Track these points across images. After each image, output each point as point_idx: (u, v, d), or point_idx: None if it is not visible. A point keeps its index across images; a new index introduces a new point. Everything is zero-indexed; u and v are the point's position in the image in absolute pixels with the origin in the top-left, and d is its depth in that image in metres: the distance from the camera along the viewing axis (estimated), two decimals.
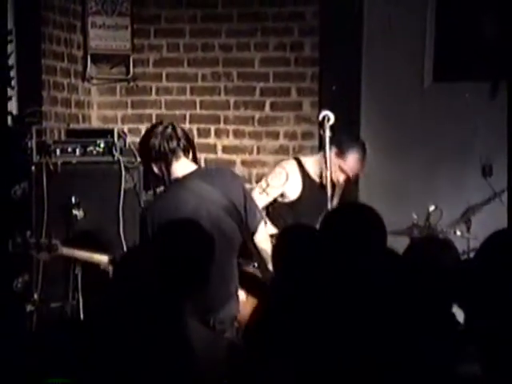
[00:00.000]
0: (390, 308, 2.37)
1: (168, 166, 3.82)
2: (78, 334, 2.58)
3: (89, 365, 2.37)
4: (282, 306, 2.02)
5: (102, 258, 4.19)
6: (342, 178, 4.84)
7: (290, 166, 4.92)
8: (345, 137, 4.91)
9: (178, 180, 3.83)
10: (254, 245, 3.98)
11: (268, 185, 4.88)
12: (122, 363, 2.32)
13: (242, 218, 3.88)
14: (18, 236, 4.28)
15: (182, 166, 3.84)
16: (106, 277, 4.08)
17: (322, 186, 4.76)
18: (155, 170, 3.86)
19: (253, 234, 3.96)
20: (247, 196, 3.98)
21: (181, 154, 3.83)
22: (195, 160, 4.21)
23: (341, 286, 2.51)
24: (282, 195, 4.89)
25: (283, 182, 4.86)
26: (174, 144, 3.81)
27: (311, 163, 4.90)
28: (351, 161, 4.79)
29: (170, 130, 3.84)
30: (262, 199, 4.78)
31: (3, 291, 4.60)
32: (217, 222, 3.76)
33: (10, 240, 4.32)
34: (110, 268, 4.10)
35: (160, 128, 3.86)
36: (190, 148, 3.88)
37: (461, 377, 2.22)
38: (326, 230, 2.98)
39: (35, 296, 4.85)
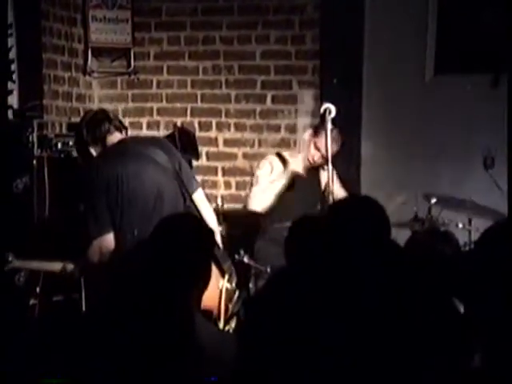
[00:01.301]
0: (392, 300, 2.37)
1: (104, 144, 3.99)
2: (80, 328, 2.58)
3: (90, 359, 2.37)
4: (297, 298, 2.02)
5: (55, 266, 4.16)
6: (316, 157, 4.98)
7: (273, 158, 5.06)
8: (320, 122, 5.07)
9: (118, 142, 4.01)
10: (195, 206, 4.09)
11: (256, 180, 5.04)
12: (124, 358, 2.32)
13: (181, 180, 4.01)
14: None
15: (116, 137, 4.03)
16: (109, 271, 4.08)
17: (310, 182, 4.94)
18: (93, 152, 4.00)
19: (192, 195, 4.08)
20: (182, 161, 4.14)
21: (114, 130, 4.03)
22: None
23: (344, 279, 2.51)
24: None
25: (269, 171, 4.99)
26: (106, 126, 4.01)
27: (294, 160, 4.99)
28: (324, 137, 4.81)
29: (100, 115, 4.06)
30: (255, 194, 4.92)
31: (5, 285, 4.60)
32: (158, 181, 3.93)
33: None
34: (68, 272, 4.08)
35: (91, 114, 4.11)
36: (122, 128, 4.10)
37: (461, 368, 2.22)
38: (330, 223, 2.98)
39: (37, 289, 4.85)
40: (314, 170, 5.10)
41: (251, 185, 5.10)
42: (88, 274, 4.09)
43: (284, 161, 5.02)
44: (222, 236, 4.41)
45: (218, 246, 4.04)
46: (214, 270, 3.99)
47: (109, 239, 3.82)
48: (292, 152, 5.22)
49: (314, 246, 3.03)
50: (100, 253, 3.83)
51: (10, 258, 4.19)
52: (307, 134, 5.08)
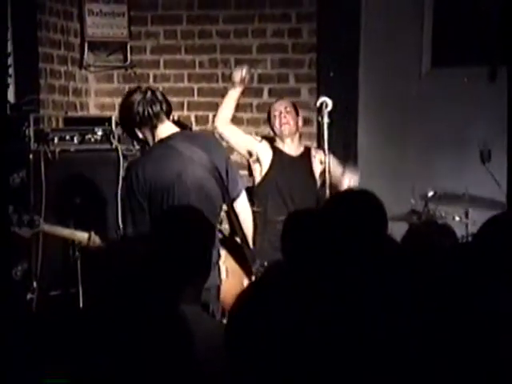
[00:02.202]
0: (390, 294, 2.37)
1: (153, 129, 3.86)
2: (77, 323, 2.58)
3: (88, 355, 2.36)
4: (292, 294, 2.02)
5: (83, 236, 4.18)
6: (280, 125, 5.06)
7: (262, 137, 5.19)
8: None
9: (162, 140, 3.87)
10: (235, 214, 4.02)
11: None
12: (121, 353, 2.32)
13: (224, 182, 3.91)
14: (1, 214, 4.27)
15: (166, 128, 3.89)
16: (106, 265, 4.09)
17: (299, 167, 4.99)
18: (140, 135, 3.89)
19: (233, 200, 3.99)
20: (229, 162, 4.02)
21: (164, 117, 3.88)
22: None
23: (342, 273, 2.51)
24: (256, 158, 5.00)
25: (259, 140, 5.08)
26: (157, 108, 3.86)
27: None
28: (274, 105, 5.12)
29: (150, 94, 3.88)
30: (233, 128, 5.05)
31: (2, 279, 4.60)
32: (201, 183, 3.84)
33: None
34: (93, 243, 4.11)
35: (139, 93, 3.89)
36: (171, 111, 3.95)
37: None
38: (327, 216, 2.98)
39: (34, 284, 4.85)
40: (307, 160, 5.08)
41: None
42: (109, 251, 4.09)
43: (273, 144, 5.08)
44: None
45: (248, 247, 4.02)
46: (238, 270, 3.99)
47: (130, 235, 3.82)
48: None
49: (309, 240, 3.03)
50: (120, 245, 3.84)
51: (38, 222, 4.18)
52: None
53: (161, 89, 6.36)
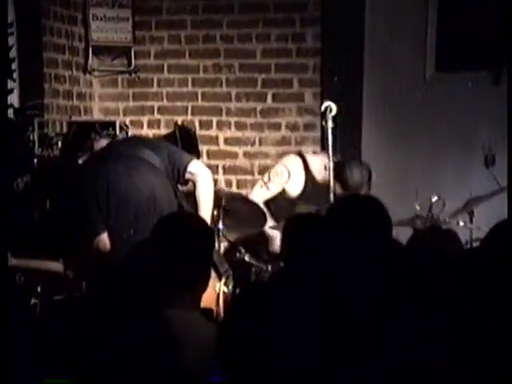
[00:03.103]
0: (392, 299, 2.36)
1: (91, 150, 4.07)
2: (81, 327, 2.58)
3: (91, 358, 2.36)
4: (294, 301, 2.01)
5: (56, 265, 4.17)
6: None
7: (293, 163, 4.98)
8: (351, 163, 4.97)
9: (101, 148, 4.07)
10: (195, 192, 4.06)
11: (269, 179, 4.96)
12: (122, 357, 2.31)
13: (169, 172, 3.99)
14: None
15: (102, 143, 4.09)
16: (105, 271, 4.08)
17: (324, 183, 4.80)
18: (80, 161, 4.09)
19: (185, 172, 4.06)
20: (170, 148, 4.14)
21: (99, 138, 4.11)
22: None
23: (344, 277, 2.50)
24: (283, 191, 4.94)
25: (285, 181, 4.94)
26: (92, 135, 4.14)
27: (315, 161, 4.94)
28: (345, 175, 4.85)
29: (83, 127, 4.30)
30: (262, 193, 4.87)
31: (6, 284, 4.60)
32: (147, 179, 3.95)
33: None
34: (69, 272, 4.10)
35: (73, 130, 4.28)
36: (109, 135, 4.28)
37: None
38: (330, 221, 2.97)
39: (38, 289, 4.84)
40: None
41: (262, 182, 4.98)
42: (82, 273, 4.10)
43: (306, 164, 4.95)
44: (223, 236, 4.38)
45: (215, 248, 4.04)
46: (212, 273, 3.99)
47: (104, 238, 3.85)
48: (314, 151, 5.13)
49: (310, 245, 3.02)
50: (97, 252, 3.85)
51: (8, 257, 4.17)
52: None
53: (164, 93, 6.41)
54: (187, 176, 4.08)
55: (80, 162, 4.03)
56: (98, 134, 4.04)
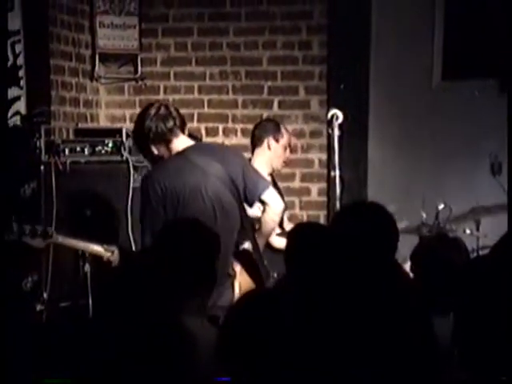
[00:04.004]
0: (398, 308, 2.36)
1: (168, 144, 3.86)
2: (83, 331, 2.58)
3: (96, 365, 2.36)
4: (295, 308, 2.01)
5: (98, 249, 4.17)
6: (286, 157, 4.92)
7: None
8: (265, 125, 5.03)
9: (178, 153, 3.87)
10: (251, 221, 3.97)
11: None
12: (128, 362, 2.31)
13: (240, 192, 3.88)
14: (14, 224, 4.22)
15: (181, 142, 3.89)
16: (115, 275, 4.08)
17: (274, 182, 4.86)
18: (155, 151, 3.89)
19: (258, 200, 3.93)
20: (246, 168, 3.98)
21: (178, 131, 3.88)
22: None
23: (350, 286, 2.50)
24: None
25: None
26: (170, 123, 3.86)
27: (261, 166, 4.92)
28: (285, 134, 4.90)
29: (163, 110, 3.89)
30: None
31: (13, 290, 4.61)
32: (218, 197, 3.82)
33: (6, 229, 4.26)
34: (110, 257, 4.09)
35: (153, 109, 3.89)
36: (185, 125, 3.94)
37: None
38: (336, 229, 2.97)
39: (45, 295, 4.85)
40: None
41: None
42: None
43: None
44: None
45: (263, 263, 3.98)
46: (251, 286, 3.96)
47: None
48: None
49: (315, 253, 3.01)
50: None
51: (51, 233, 4.15)
52: (267, 141, 4.95)
53: (171, 100, 6.41)
54: (258, 202, 3.97)
55: (155, 151, 3.85)
56: (176, 127, 3.86)
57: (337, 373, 2.06)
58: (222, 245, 3.45)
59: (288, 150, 4.94)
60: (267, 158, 4.87)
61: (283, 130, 4.94)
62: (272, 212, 3.98)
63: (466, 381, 2.09)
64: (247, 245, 4.07)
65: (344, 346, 2.11)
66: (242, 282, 3.92)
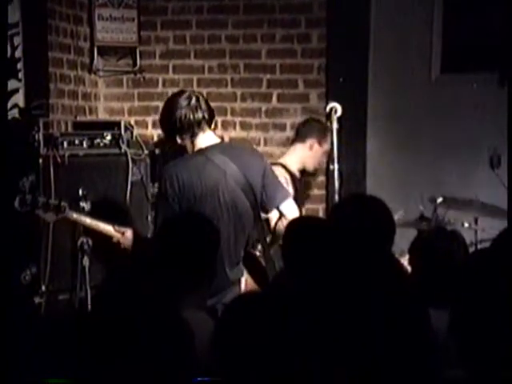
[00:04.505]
0: (396, 303, 2.36)
1: (193, 137, 3.80)
2: (81, 325, 2.58)
3: (95, 359, 2.36)
4: (290, 301, 2.00)
5: (108, 228, 4.16)
6: (322, 162, 5.05)
7: (283, 172, 4.95)
8: (312, 125, 5.14)
9: (201, 150, 3.80)
10: (269, 224, 3.94)
11: None
12: (125, 357, 2.31)
13: (257, 198, 3.82)
14: (27, 194, 4.19)
15: (206, 138, 3.82)
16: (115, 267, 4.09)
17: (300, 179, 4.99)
18: (178, 141, 3.83)
19: (277, 209, 3.89)
20: (267, 174, 3.90)
21: (205, 125, 3.81)
22: None
23: (348, 279, 2.49)
24: None
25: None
26: (199, 115, 3.78)
27: (292, 163, 4.94)
28: (329, 138, 4.98)
29: (194, 100, 3.80)
30: None
31: (11, 283, 4.60)
32: (233, 199, 3.78)
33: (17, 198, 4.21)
34: (120, 239, 4.09)
35: (184, 98, 3.81)
36: (213, 119, 3.84)
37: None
38: (334, 222, 2.97)
39: (43, 288, 4.85)
40: None
41: None
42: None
43: (289, 171, 4.95)
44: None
45: (274, 264, 3.93)
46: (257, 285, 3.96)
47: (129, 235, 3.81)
48: (287, 157, 5.10)
49: (312, 247, 3.01)
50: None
51: (64, 208, 4.12)
52: (311, 142, 4.99)
53: (170, 93, 6.38)
54: (276, 211, 3.92)
55: (178, 141, 3.79)
56: (204, 121, 3.77)
57: (334, 366, 2.06)
58: (233, 246, 3.44)
59: (326, 156, 4.97)
60: (304, 156, 4.94)
61: (328, 136, 4.94)
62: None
63: (463, 376, 2.09)
64: (259, 250, 4.04)
65: (340, 338, 2.11)
66: (248, 280, 3.91)
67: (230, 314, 2.07)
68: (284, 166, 4.97)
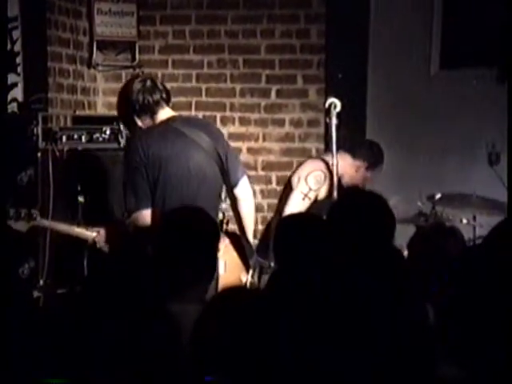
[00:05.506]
0: (394, 299, 2.36)
1: (153, 115, 3.89)
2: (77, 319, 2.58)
3: (93, 354, 2.36)
4: (283, 298, 2.00)
5: (83, 232, 4.17)
6: (356, 184, 4.91)
7: (324, 166, 4.85)
8: (370, 148, 5.06)
9: (163, 121, 3.90)
10: (236, 203, 3.99)
11: (310, 189, 4.81)
12: (124, 351, 2.31)
13: (224, 167, 3.92)
14: None
15: (166, 113, 3.92)
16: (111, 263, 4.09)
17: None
18: (139, 123, 3.90)
19: (234, 187, 3.99)
20: (229, 149, 4.04)
21: (164, 104, 3.91)
22: None
23: (346, 275, 2.50)
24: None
25: (322, 185, 4.82)
26: (157, 96, 3.89)
27: (341, 168, 4.85)
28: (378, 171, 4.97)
29: (149, 82, 3.91)
30: (304, 205, 4.75)
31: (9, 277, 4.60)
32: (201, 165, 3.86)
33: None
34: (95, 238, 4.10)
35: (138, 82, 3.92)
36: (170, 98, 3.96)
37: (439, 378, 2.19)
38: (333, 218, 2.97)
39: (41, 282, 4.86)
40: None
41: (302, 194, 4.79)
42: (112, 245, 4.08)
43: (329, 169, 4.83)
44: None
45: (247, 240, 4.02)
46: (236, 265, 3.98)
47: (146, 214, 3.79)
48: (331, 158, 4.98)
49: (308, 244, 3.01)
50: (136, 226, 3.81)
51: (35, 216, 4.13)
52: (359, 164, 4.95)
53: (169, 88, 6.39)
54: (234, 187, 4.00)
55: (139, 124, 3.85)
56: (162, 99, 3.87)
57: (335, 365, 2.07)
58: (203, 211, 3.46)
59: (363, 182, 4.93)
60: (346, 169, 4.83)
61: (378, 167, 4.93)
62: (251, 198, 4.07)
63: (457, 374, 2.10)
64: (224, 205, 4.12)
65: (341, 336, 2.11)
66: (227, 260, 3.91)
67: (212, 312, 2.06)
68: (327, 163, 4.80)
